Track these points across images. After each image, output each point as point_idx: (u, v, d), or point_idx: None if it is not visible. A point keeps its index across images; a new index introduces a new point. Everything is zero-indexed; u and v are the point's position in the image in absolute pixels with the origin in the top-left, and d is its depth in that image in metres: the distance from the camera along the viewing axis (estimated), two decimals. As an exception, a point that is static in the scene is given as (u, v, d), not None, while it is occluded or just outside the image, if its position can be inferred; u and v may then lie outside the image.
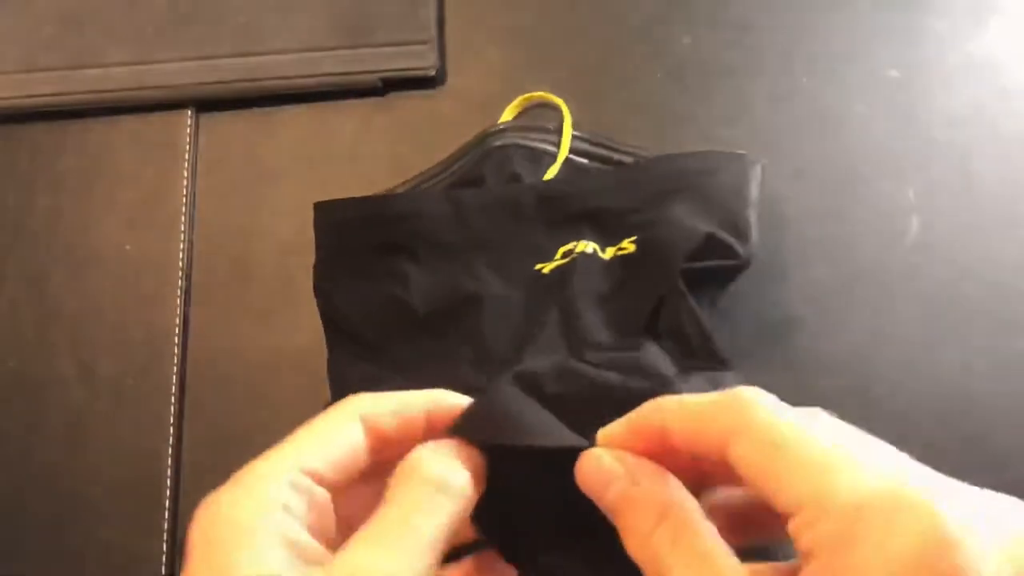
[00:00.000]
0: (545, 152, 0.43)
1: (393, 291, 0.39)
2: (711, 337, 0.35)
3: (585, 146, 0.44)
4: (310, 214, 0.46)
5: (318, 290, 0.41)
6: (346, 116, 0.48)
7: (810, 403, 0.41)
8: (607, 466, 0.25)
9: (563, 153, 0.43)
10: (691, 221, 0.38)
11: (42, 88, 0.49)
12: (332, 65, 0.47)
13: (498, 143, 0.43)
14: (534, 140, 0.43)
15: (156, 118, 0.49)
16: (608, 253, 0.39)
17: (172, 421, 0.43)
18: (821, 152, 0.45)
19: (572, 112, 0.45)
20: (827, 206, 0.44)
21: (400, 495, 0.24)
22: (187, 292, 0.46)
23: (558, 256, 0.39)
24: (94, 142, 0.49)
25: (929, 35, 0.46)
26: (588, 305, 0.37)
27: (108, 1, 0.50)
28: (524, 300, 0.38)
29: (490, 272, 0.39)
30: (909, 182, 0.44)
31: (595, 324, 0.36)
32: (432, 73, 0.47)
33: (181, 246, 0.46)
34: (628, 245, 0.39)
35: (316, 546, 0.23)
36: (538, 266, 0.39)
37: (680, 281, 0.36)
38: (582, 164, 0.43)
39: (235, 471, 0.24)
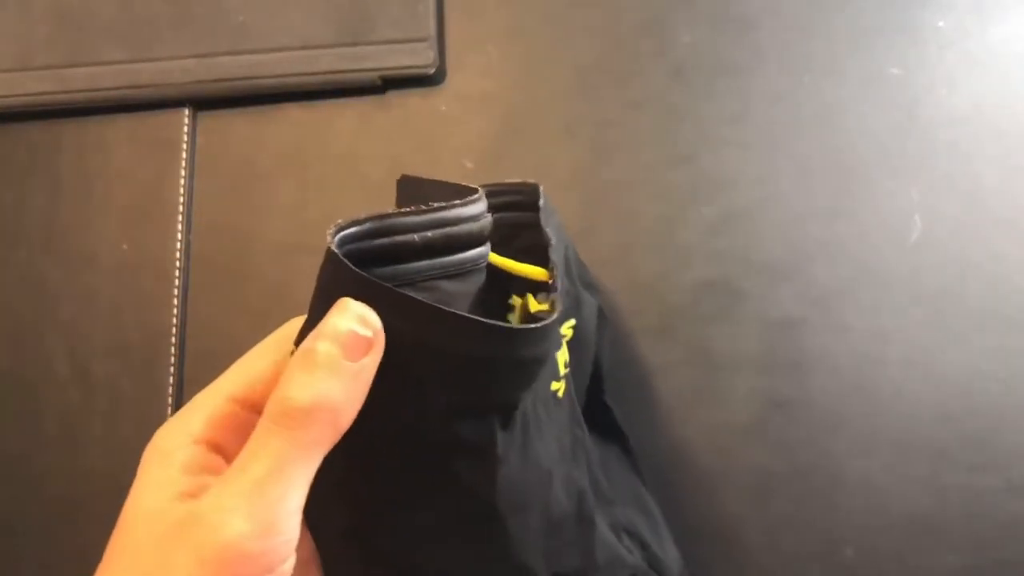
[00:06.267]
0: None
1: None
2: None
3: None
4: (308, 213, 0.46)
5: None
6: (345, 115, 0.48)
7: (811, 403, 0.41)
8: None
9: None
10: (584, 295, 0.35)
11: (38, 86, 0.48)
12: (331, 63, 0.47)
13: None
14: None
15: (153, 116, 0.48)
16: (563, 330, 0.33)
17: (169, 422, 0.43)
18: (823, 151, 0.45)
19: (574, 111, 0.45)
20: (829, 205, 0.44)
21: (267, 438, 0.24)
22: (184, 292, 0.46)
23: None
24: (91, 141, 0.49)
25: (931, 33, 0.46)
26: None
27: (105, -1, 0.50)
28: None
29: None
30: (912, 181, 0.44)
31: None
32: (431, 71, 0.47)
33: (178, 245, 0.46)
34: (568, 331, 0.33)
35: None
36: None
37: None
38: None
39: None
